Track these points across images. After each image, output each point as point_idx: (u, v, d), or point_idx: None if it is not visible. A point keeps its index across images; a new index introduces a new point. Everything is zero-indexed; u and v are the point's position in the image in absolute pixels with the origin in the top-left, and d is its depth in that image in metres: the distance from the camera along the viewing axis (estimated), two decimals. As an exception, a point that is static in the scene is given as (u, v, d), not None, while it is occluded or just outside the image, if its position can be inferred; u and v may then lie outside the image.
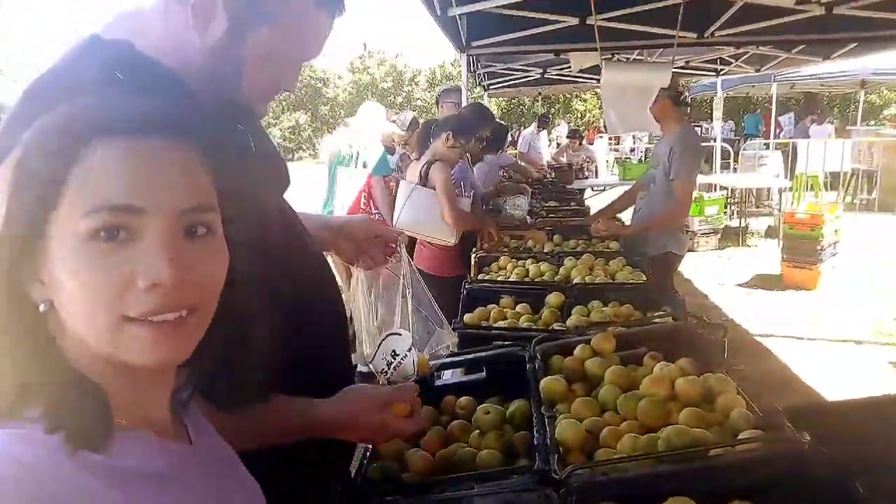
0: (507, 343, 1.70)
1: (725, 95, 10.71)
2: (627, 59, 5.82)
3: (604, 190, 8.79)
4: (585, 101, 24.58)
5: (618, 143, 14.78)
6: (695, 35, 4.76)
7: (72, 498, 0.50)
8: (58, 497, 0.49)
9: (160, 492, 0.57)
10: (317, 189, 4.36)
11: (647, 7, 4.26)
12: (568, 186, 6.72)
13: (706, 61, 7.39)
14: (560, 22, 4.52)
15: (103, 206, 0.52)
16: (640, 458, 1.03)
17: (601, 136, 14.67)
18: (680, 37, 4.62)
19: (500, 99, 19.82)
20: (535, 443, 1.16)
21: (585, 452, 1.18)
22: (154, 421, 0.61)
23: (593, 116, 23.49)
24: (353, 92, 27.86)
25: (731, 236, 7.95)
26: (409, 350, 1.23)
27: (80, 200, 0.52)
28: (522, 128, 11.27)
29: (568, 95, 23.02)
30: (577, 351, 1.53)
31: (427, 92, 26.56)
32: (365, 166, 4.08)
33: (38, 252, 0.53)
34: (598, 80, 7.90)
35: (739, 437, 1.07)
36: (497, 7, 4.06)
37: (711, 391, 1.26)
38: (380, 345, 1.24)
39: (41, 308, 0.54)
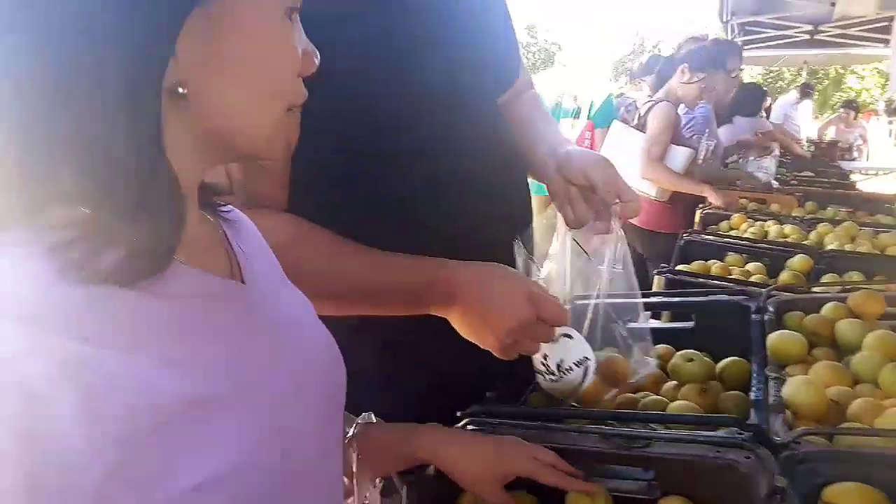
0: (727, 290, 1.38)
1: None
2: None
3: (876, 174, 7.37)
4: (863, 78, 20.93)
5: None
6: None
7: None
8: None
9: (195, 336, 0.44)
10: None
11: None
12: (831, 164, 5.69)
13: None
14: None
15: None
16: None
17: (878, 118, 12.42)
18: None
19: (754, 69, 17.50)
20: (754, 398, 0.88)
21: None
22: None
23: (871, 96, 19.95)
24: (582, 58, 27.11)
25: None
26: (580, 364, 0.90)
27: None
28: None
29: (842, 71, 19.76)
30: (826, 309, 1.18)
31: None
32: (589, 116, 3.76)
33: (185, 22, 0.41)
34: (887, 43, 6.61)
35: None
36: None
37: None
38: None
39: (180, 91, 0.42)
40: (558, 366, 0.89)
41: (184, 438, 0.39)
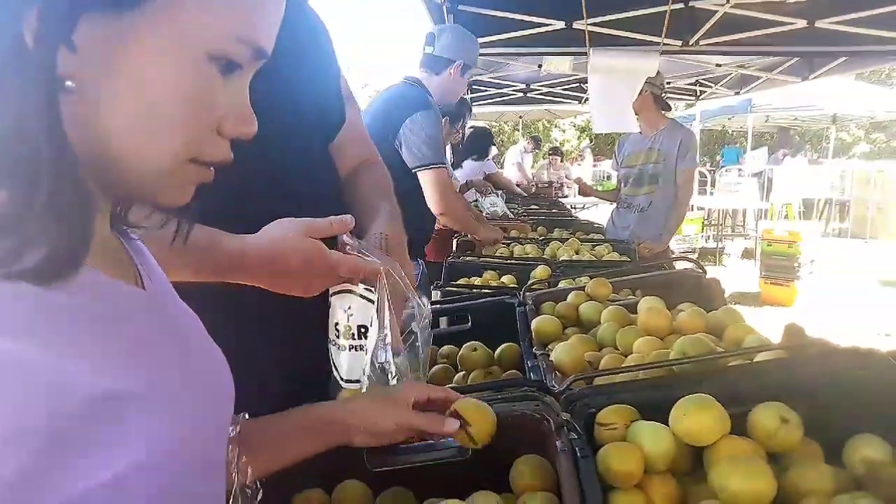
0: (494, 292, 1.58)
1: (702, 128, 10.81)
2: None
3: (584, 207, 8.78)
4: (564, 130, 24.90)
5: (598, 164, 15.02)
6: (679, 43, 4.78)
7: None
8: None
9: (108, 335, 0.43)
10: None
11: (636, 13, 4.28)
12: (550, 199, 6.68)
13: (687, 83, 7.48)
14: (546, 25, 4.51)
15: (245, 39, 0.45)
16: (649, 366, 0.91)
17: (579, 165, 14.87)
18: (665, 44, 4.65)
19: (479, 123, 19.82)
20: (528, 364, 1.04)
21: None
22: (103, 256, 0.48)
23: (572, 147, 23.79)
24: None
25: (708, 256, 7.97)
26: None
27: (218, 18, 0.44)
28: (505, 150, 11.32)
29: (547, 125, 23.29)
30: (571, 297, 1.42)
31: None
32: None
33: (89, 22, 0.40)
34: (581, 100, 8.04)
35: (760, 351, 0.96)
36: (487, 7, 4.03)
37: (720, 324, 1.15)
38: None
39: (67, 84, 0.40)
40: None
41: (98, 433, 0.38)
